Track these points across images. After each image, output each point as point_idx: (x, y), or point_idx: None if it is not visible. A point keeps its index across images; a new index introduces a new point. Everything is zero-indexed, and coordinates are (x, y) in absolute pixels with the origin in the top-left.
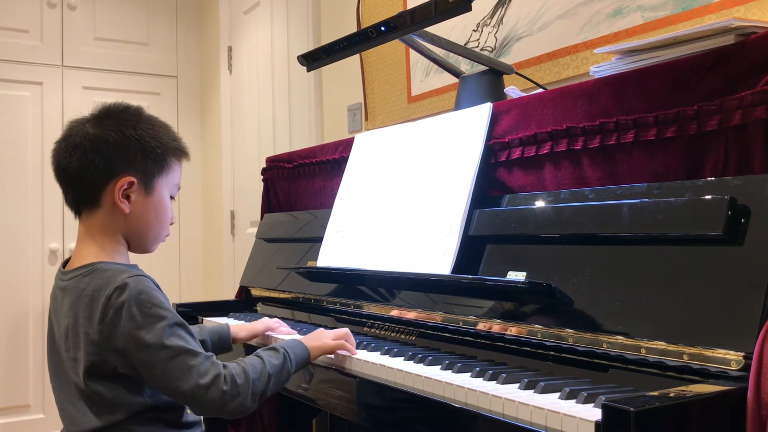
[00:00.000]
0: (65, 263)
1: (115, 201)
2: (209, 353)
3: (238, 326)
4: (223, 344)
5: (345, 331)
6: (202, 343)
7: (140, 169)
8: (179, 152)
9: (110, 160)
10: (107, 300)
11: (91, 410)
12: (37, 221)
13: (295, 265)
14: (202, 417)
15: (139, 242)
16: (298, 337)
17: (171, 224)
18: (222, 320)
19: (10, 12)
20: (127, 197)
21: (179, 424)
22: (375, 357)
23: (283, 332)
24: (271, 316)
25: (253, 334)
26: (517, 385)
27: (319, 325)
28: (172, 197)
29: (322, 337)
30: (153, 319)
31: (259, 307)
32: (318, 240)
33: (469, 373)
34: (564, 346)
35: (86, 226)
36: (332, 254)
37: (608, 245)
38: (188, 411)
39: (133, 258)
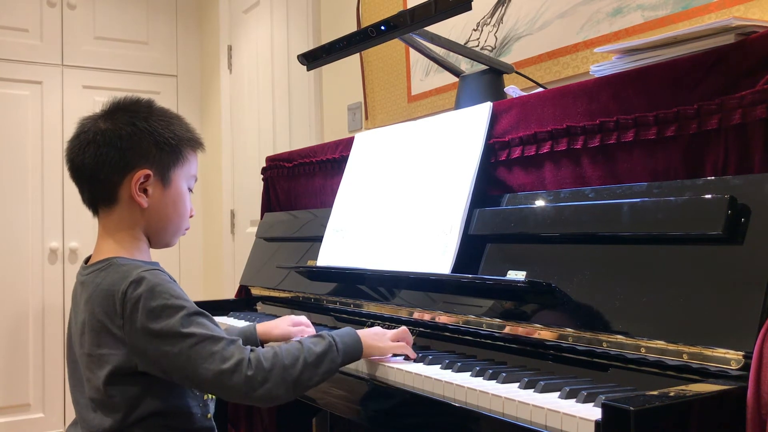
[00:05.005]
0: (88, 259)
1: (133, 195)
2: (234, 338)
3: (265, 325)
4: (250, 343)
5: (404, 330)
6: None
7: (155, 161)
8: (194, 143)
9: (124, 154)
10: (123, 295)
11: (100, 410)
12: (37, 220)
13: (295, 264)
14: (214, 424)
15: (159, 236)
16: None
17: (191, 216)
18: (222, 319)
19: (9, 11)
20: (145, 191)
21: (190, 430)
22: None
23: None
24: (275, 316)
25: (286, 332)
26: (517, 384)
27: (319, 325)
28: (190, 189)
29: (383, 338)
30: (171, 309)
31: (259, 306)
32: (318, 239)
33: (469, 373)
34: (564, 345)
35: (104, 223)
36: (332, 253)
37: (608, 244)
38: (203, 415)
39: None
